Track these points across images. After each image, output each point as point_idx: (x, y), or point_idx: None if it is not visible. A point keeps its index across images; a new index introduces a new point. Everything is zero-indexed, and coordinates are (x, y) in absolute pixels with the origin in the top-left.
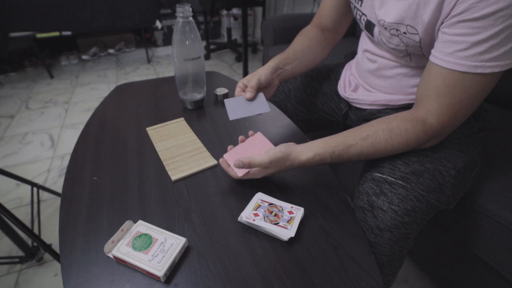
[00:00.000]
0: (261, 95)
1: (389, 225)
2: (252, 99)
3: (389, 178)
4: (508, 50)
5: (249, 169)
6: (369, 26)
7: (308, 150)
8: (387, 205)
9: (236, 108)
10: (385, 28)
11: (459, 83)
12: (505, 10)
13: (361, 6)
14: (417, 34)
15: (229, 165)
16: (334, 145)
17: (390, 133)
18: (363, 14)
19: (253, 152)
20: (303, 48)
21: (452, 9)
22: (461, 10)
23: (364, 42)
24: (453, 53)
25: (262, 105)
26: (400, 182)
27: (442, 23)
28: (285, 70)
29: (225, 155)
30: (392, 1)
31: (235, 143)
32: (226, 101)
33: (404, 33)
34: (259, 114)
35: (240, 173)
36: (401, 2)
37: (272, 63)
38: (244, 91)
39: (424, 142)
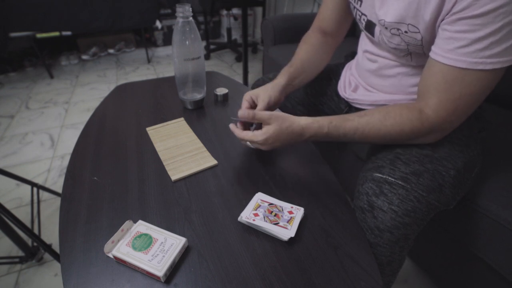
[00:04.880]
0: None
1: (389, 226)
2: None
3: (389, 178)
4: (509, 47)
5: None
6: (370, 26)
7: (307, 118)
8: (387, 206)
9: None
10: (386, 28)
11: (459, 79)
12: (505, 7)
13: (360, 6)
14: (419, 32)
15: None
16: (332, 117)
17: (385, 114)
18: (363, 14)
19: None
20: (309, 58)
21: (453, 6)
22: (462, 7)
23: (364, 42)
24: (453, 50)
25: None
26: (400, 182)
27: (442, 20)
28: (293, 86)
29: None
30: (392, 0)
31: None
32: (234, 119)
33: (406, 32)
34: None
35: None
36: (401, 1)
37: (282, 81)
38: (250, 106)
39: (420, 133)
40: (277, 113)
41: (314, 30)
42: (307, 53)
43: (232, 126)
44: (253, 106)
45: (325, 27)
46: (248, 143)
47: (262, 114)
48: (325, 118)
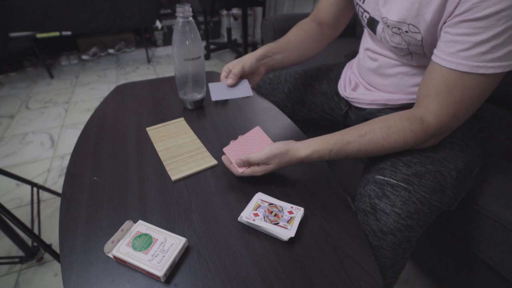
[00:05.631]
0: (244, 81)
1: (392, 228)
2: (235, 85)
3: (391, 180)
4: (510, 51)
5: (249, 166)
6: (372, 23)
7: (307, 147)
8: (390, 208)
9: (220, 91)
10: (388, 26)
11: (460, 83)
12: (508, 10)
13: (363, 3)
14: (419, 33)
15: (231, 162)
16: (332, 142)
17: (387, 130)
18: (365, 11)
19: (252, 147)
20: (297, 40)
21: (455, 8)
22: (464, 9)
23: (366, 40)
24: (455, 53)
25: (245, 90)
26: (402, 184)
27: (445, 23)
28: (273, 59)
29: (225, 150)
30: None
31: None
32: (210, 84)
33: (406, 31)
34: (243, 97)
35: (240, 169)
36: (405, 0)
37: (260, 51)
38: (227, 75)
39: (423, 141)
40: (273, 150)
41: (311, 19)
42: (295, 35)
43: (226, 160)
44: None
45: (323, 19)
46: None
47: (256, 158)
48: (325, 144)
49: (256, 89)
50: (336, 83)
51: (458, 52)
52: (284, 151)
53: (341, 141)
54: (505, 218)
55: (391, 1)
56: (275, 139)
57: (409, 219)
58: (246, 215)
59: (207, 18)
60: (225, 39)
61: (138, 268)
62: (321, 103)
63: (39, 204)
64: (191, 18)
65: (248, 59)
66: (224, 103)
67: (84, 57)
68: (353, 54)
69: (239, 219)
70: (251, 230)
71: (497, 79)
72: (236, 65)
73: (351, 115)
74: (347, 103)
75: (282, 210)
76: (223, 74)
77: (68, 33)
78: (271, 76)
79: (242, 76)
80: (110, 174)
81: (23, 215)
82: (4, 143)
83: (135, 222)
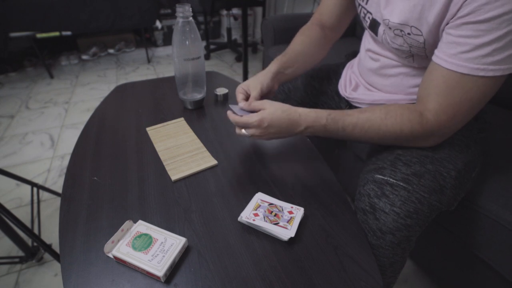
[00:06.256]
0: None
1: (391, 228)
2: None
3: (391, 179)
4: (511, 54)
5: (248, 113)
6: (374, 25)
7: (306, 108)
8: (389, 207)
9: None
10: (390, 28)
11: (460, 85)
12: (510, 14)
13: (366, 4)
14: (421, 35)
15: (233, 112)
16: (332, 110)
17: (386, 113)
18: (368, 12)
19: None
20: (304, 50)
21: (458, 10)
22: (467, 12)
23: (367, 41)
24: (456, 55)
25: None
26: (401, 183)
27: (447, 24)
28: (285, 75)
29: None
30: (397, 1)
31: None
32: (231, 106)
33: (408, 34)
34: None
35: (240, 113)
36: (406, 2)
37: (273, 68)
38: (245, 97)
39: (419, 136)
40: (272, 101)
41: (313, 22)
42: (303, 44)
43: (229, 112)
44: (248, 96)
45: (325, 21)
46: (243, 131)
47: (257, 103)
48: (324, 110)
49: None
50: (337, 83)
51: (459, 54)
52: (283, 104)
53: (341, 111)
54: (505, 218)
55: (392, 3)
56: (275, 139)
57: (408, 218)
58: (246, 215)
59: (207, 18)
60: (225, 39)
61: (138, 268)
62: (321, 103)
63: (39, 204)
64: (191, 18)
65: (265, 81)
66: (224, 102)
67: (84, 57)
68: (354, 54)
69: (239, 219)
70: (251, 230)
71: (497, 82)
72: (253, 88)
73: None
74: (348, 103)
75: (282, 210)
76: (240, 97)
77: (68, 33)
78: None
79: (260, 99)
80: (110, 174)
81: (23, 215)
82: (4, 143)
83: (135, 222)
